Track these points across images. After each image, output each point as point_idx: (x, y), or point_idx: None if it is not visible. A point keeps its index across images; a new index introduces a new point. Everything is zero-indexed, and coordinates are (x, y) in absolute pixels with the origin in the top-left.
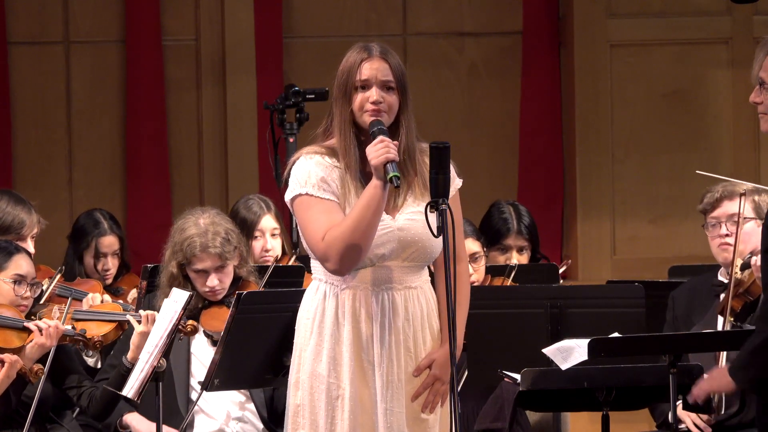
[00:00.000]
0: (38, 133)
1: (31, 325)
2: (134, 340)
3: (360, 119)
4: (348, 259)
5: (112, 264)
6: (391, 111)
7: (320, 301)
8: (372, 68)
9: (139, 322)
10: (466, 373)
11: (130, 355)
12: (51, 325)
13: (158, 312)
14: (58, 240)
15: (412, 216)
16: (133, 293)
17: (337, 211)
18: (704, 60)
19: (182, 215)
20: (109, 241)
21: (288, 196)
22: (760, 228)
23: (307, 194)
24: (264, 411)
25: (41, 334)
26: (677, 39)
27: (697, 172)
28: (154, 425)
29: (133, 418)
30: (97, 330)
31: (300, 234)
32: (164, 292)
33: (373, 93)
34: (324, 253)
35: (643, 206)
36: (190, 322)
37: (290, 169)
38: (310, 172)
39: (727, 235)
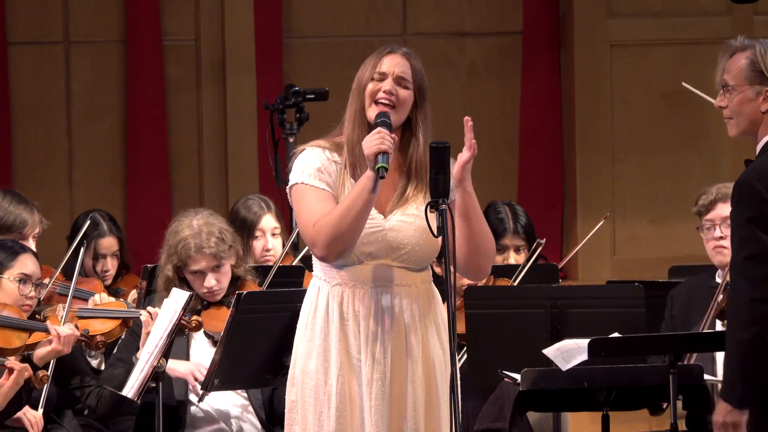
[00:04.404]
0: (38, 133)
1: (52, 329)
2: (143, 340)
3: (368, 108)
4: (334, 247)
5: (111, 265)
6: (402, 106)
7: (314, 297)
8: (392, 62)
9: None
10: (465, 356)
11: (140, 353)
12: (69, 333)
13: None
14: (58, 240)
15: (405, 218)
16: (133, 294)
17: (331, 201)
18: (704, 60)
19: (176, 218)
20: (108, 243)
21: (288, 187)
22: None
23: (302, 183)
24: (261, 413)
25: (59, 341)
26: (677, 39)
27: (683, 84)
28: (190, 364)
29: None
30: (101, 327)
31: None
32: (161, 296)
33: (387, 83)
34: (312, 239)
35: (643, 206)
36: (195, 317)
37: (293, 161)
38: (308, 162)
39: (721, 238)
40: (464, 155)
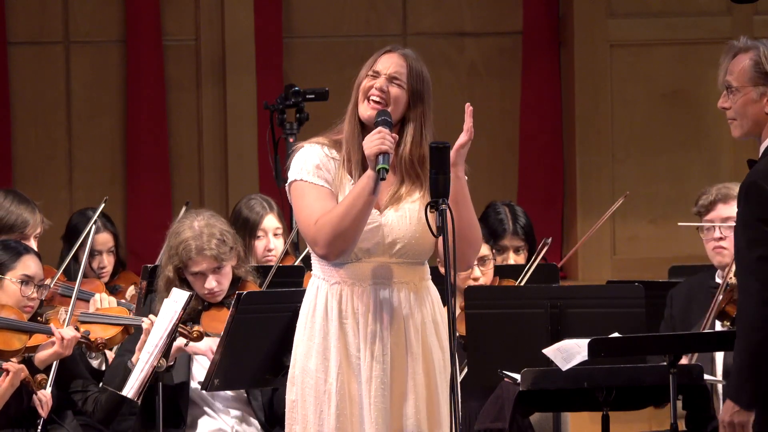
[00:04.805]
0: (38, 133)
1: (56, 332)
2: (139, 345)
3: (360, 105)
4: (335, 245)
5: (107, 261)
6: (394, 105)
7: (313, 296)
8: (388, 61)
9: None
10: (466, 369)
11: (134, 357)
12: (72, 336)
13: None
14: (58, 240)
15: (399, 213)
16: (131, 290)
17: (330, 198)
18: (704, 60)
19: (177, 219)
20: (104, 239)
21: (287, 184)
22: None
23: (302, 180)
24: (261, 414)
25: (62, 344)
26: (677, 39)
27: (679, 224)
28: (209, 340)
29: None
30: (102, 333)
31: (294, 220)
32: (162, 296)
33: (379, 81)
34: (313, 237)
35: (643, 206)
36: (197, 327)
37: (292, 157)
38: (307, 159)
39: (721, 239)
40: (461, 138)
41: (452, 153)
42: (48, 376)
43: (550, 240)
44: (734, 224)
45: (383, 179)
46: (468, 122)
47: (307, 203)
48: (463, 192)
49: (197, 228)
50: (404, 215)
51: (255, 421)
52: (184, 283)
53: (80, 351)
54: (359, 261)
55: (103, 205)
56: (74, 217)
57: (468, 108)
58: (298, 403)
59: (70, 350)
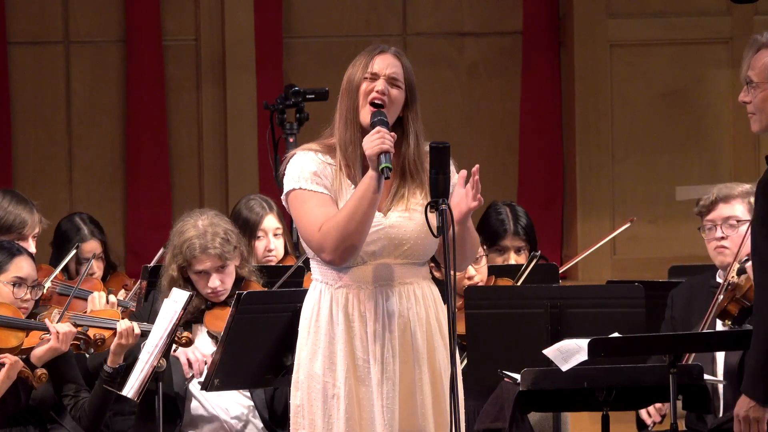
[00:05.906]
0: (38, 133)
1: (51, 327)
2: (113, 348)
3: (362, 108)
4: (343, 249)
5: (96, 268)
6: (394, 105)
7: (316, 300)
8: (384, 62)
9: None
10: (466, 361)
11: (109, 360)
12: (68, 330)
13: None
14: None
15: (404, 214)
16: (121, 294)
17: (330, 204)
18: (704, 60)
19: (181, 218)
20: (91, 247)
21: (283, 193)
22: None
23: (300, 188)
24: (265, 412)
25: (58, 339)
26: (677, 39)
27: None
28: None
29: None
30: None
31: (296, 228)
32: (165, 295)
33: (380, 83)
34: (320, 244)
35: (643, 206)
36: (186, 333)
37: (285, 166)
38: (303, 167)
39: (722, 238)
40: (471, 203)
41: (460, 215)
42: (48, 372)
43: (539, 253)
44: (734, 224)
45: (387, 178)
46: (477, 189)
47: (308, 210)
48: (471, 235)
49: (201, 227)
50: (409, 216)
51: (256, 421)
52: (188, 283)
53: (77, 354)
54: (364, 264)
55: (74, 252)
56: (63, 223)
57: (475, 176)
58: (304, 408)
59: (67, 346)
